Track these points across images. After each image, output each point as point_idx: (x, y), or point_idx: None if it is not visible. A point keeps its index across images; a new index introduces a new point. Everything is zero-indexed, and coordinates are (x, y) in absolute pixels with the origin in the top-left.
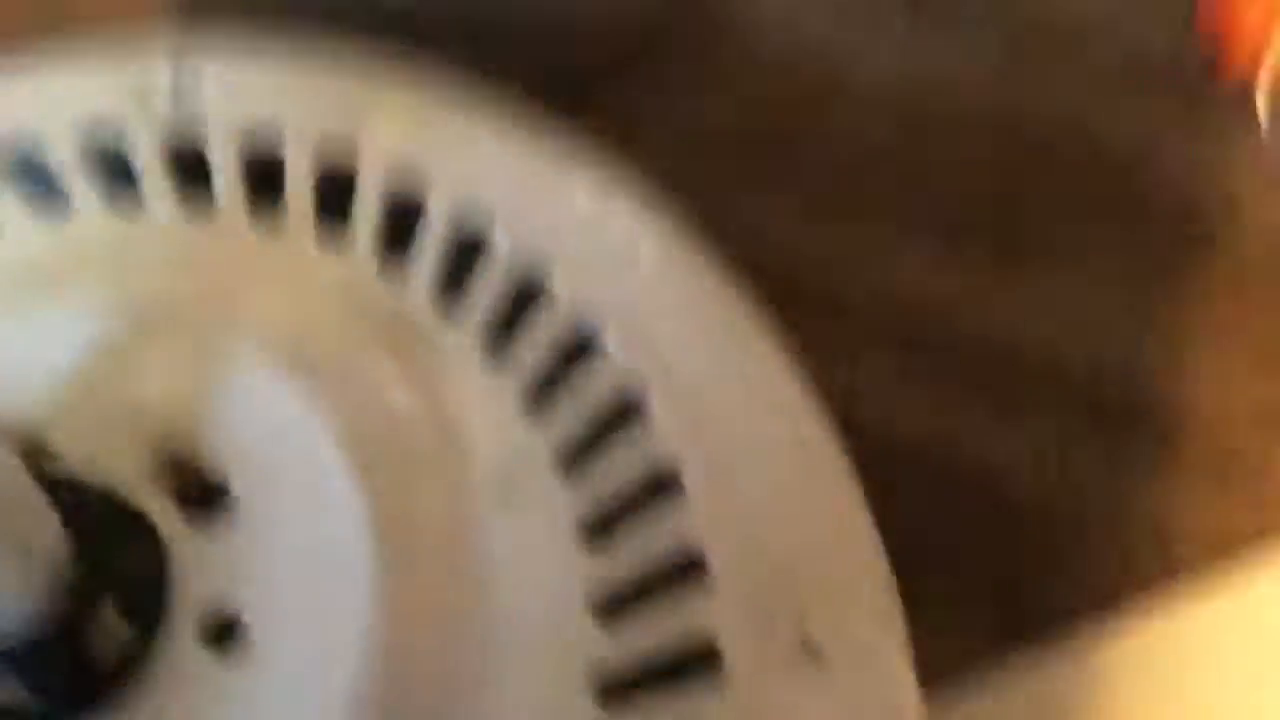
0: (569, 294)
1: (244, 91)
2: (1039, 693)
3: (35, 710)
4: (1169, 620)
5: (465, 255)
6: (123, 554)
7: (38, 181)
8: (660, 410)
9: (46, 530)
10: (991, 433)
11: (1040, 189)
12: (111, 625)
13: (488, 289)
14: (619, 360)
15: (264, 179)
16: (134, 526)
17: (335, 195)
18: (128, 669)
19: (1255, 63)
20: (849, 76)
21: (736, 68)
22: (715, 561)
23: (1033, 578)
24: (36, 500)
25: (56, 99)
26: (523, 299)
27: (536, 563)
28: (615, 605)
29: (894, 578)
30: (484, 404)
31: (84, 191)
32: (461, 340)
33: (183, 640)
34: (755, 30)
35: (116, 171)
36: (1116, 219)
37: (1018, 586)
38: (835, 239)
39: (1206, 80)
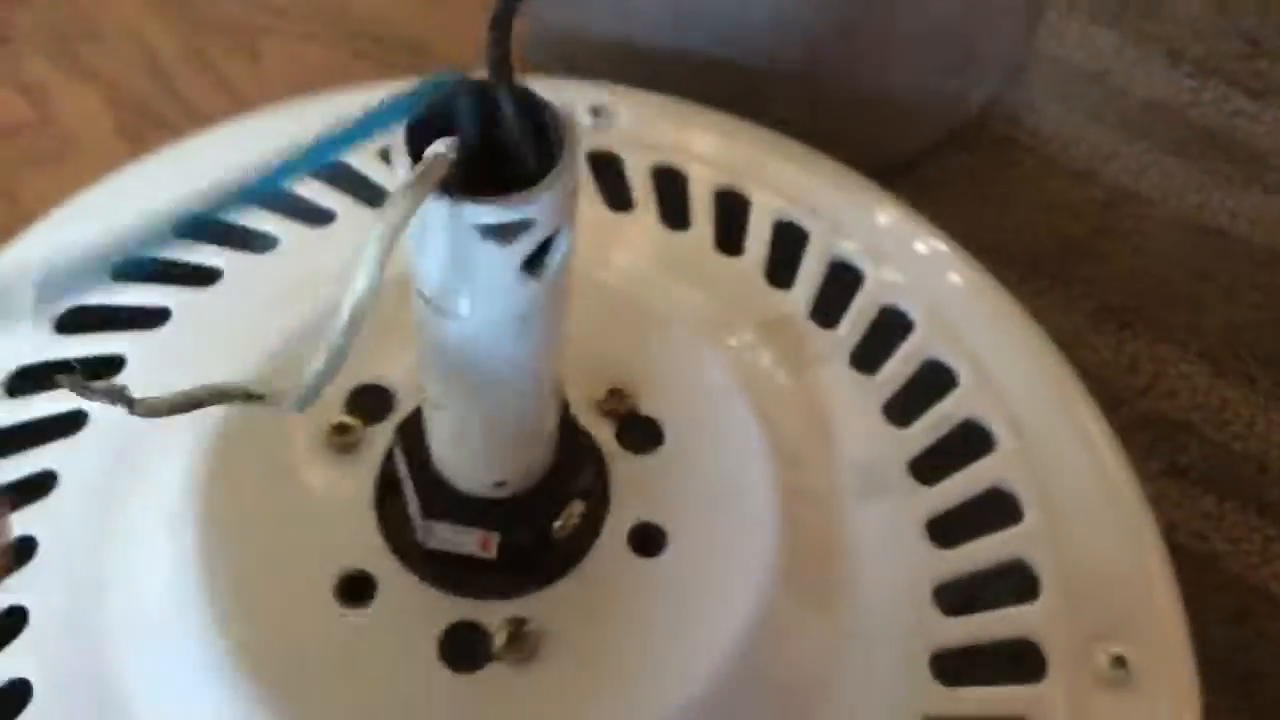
0: (925, 328)
1: (647, 123)
2: None
3: (498, 566)
4: None
5: (833, 280)
6: (582, 464)
7: None
8: (1003, 440)
9: (552, 420)
10: (1254, 543)
11: None
12: (570, 515)
13: (856, 309)
14: (971, 391)
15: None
16: (589, 445)
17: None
18: (573, 555)
19: None
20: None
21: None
22: (1044, 575)
23: (1277, 685)
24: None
25: None
26: (883, 323)
27: (889, 549)
28: (955, 599)
29: None
30: (850, 403)
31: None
32: (833, 345)
33: (616, 540)
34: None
35: None
36: None
37: (1262, 691)
38: (1116, 347)
39: None
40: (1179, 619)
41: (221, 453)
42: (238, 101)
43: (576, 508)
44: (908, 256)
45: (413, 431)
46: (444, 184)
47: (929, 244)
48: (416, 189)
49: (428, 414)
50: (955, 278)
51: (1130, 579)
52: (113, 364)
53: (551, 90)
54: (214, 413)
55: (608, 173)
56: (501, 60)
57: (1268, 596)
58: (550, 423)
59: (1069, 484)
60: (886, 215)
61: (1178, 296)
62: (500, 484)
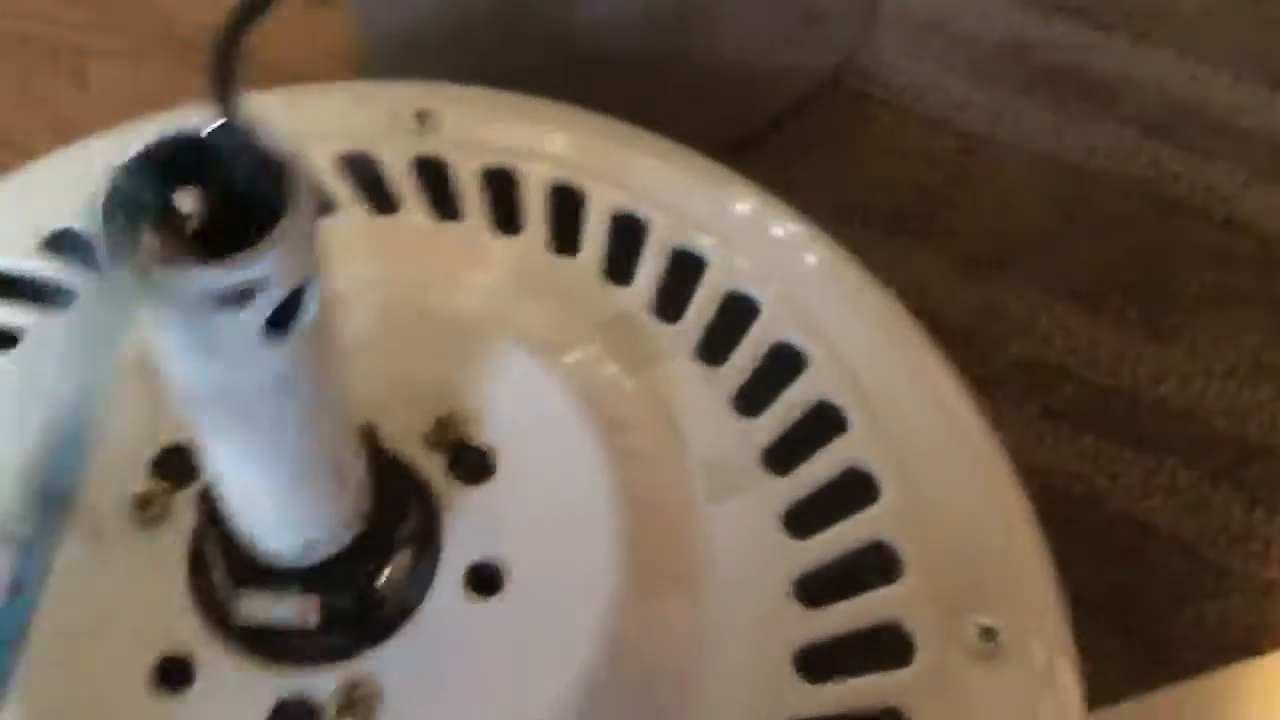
0: (772, 310)
1: (476, 122)
2: None
3: (322, 630)
4: None
5: (677, 271)
6: (407, 499)
7: None
8: (856, 419)
9: (358, 466)
10: (1134, 478)
11: (1185, 252)
12: (396, 565)
13: (700, 299)
14: (821, 372)
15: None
16: (414, 484)
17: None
18: (405, 606)
19: None
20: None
21: (889, 129)
22: (905, 555)
23: (1167, 620)
24: (354, 443)
25: (321, 119)
26: (728, 310)
27: (746, 545)
28: (816, 589)
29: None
30: (697, 399)
31: (345, 194)
32: (676, 340)
33: (451, 584)
34: (906, 95)
35: (370, 180)
36: (1261, 281)
37: (1152, 627)
38: (985, 294)
39: None
40: (1048, 580)
41: None
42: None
43: (402, 558)
44: (753, 238)
45: (212, 497)
46: (164, 250)
47: (776, 223)
48: (114, 295)
49: (215, 480)
50: (804, 257)
51: (994, 546)
52: None
53: (370, 95)
54: None
55: (435, 180)
56: (225, 96)
57: (1152, 530)
58: (353, 472)
59: (927, 457)
60: (731, 197)
61: (1043, 238)
62: (310, 545)
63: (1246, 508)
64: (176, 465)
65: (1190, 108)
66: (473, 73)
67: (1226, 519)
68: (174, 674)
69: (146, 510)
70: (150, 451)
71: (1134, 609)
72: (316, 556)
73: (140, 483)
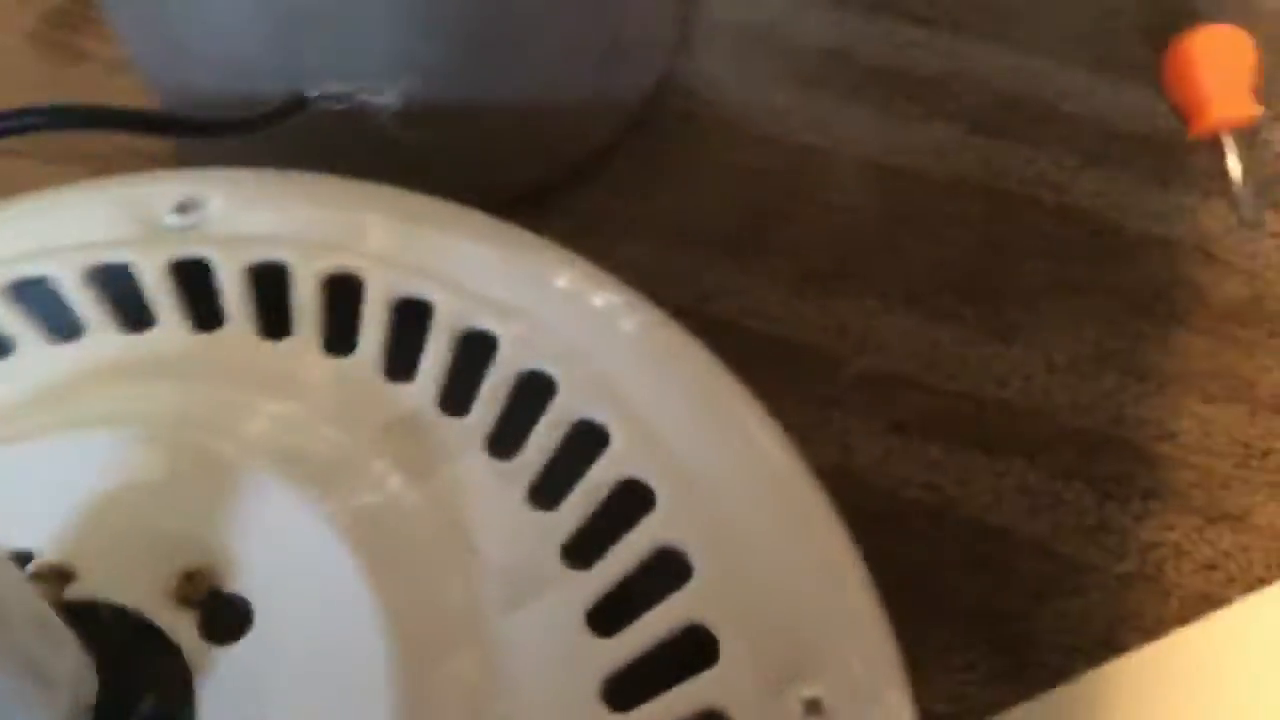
0: (569, 387)
1: (244, 210)
2: None
3: None
4: (1164, 658)
5: (465, 352)
6: (146, 673)
7: (47, 305)
8: (664, 494)
9: (67, 657)
10: (984, 482)
11: (1019, 245)
12: None
13: (490, 385)
14: (626, 449)
15: (265, 293)
16: (156, 644)
17: (330, 304)
18: None
19: (1221, 119)
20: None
21: (718, 148)
22: (722, 635)
23: (1029, 621)
24: (56, 627)
25: (66, 227)
26: (523, 392)
27: (548, 651)
28: (628, 686)
29: (893, 629)
30: (490, 498)
31: (94, 313)
32: (466, 436)
33: None
34: (731, 111)
35: (124, 293)
36: (1096, 268)
37: (1015, 630)
38: (825, 313)
39: (1180, 137)
40: (880, 636)
41: None
42: None
43: None
44: (551, 309)
45: None
46: None
47: (578, 290)
48: None
49: None
50: (609, 324)
51: (819, 610)
52: None
53: (128, 191)
54: None
55: (198, 284)
56: None
57: (1005, 534)
58: (58, 662)
59: (744, 525)
60: (527, 265)
61: (875, 245)
62: None
63: (1098, 501)
64: None
65: (1016, 98)
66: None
67: (1079, 515)
68: None
69: None
70: None
71: (996, 614)
72: None
73: None
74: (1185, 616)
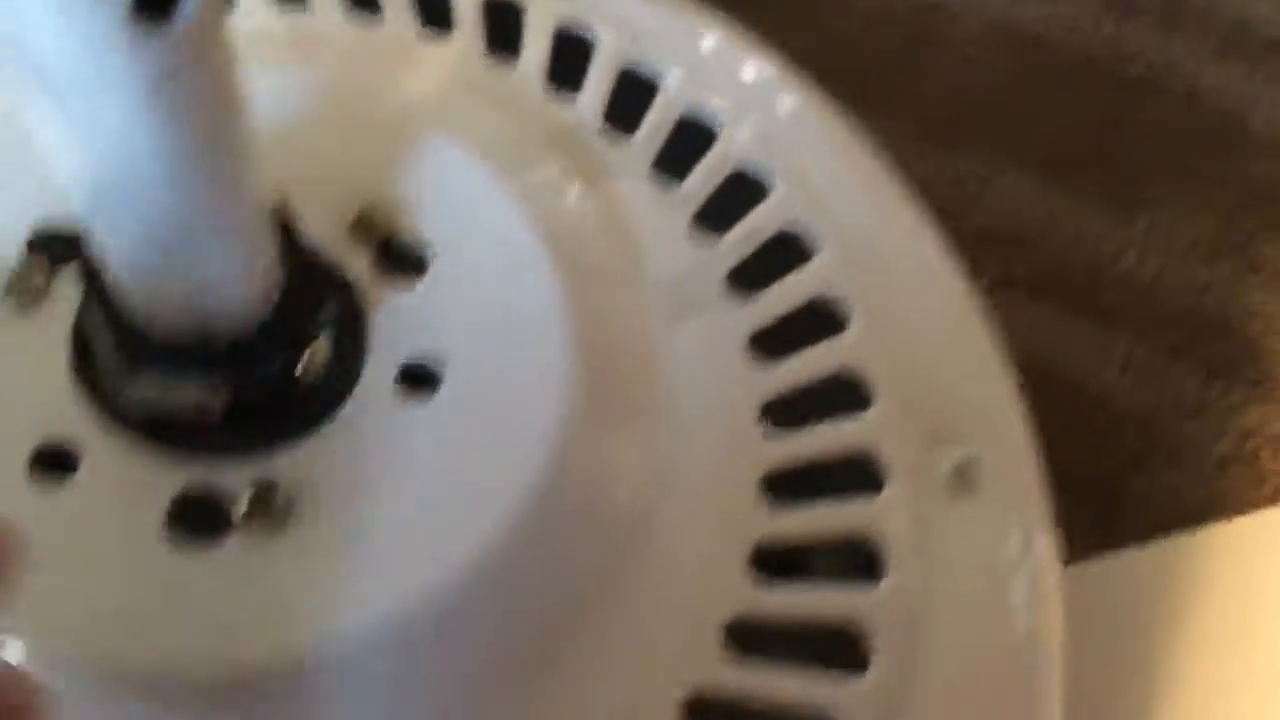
0: (730, 134)
1: None
2: (1127, 590)
3: (229, 423)
4: (1252, 532)
5: (627, 92)
6: (323, 294)
7: None
8: (824, 247)
9: (267, 240)
10: (1090, 350)
11: (1144, 127)
12: (314, 353)
13: (654, 118)
14: (787, 199)
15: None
16: (333, 274)
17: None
18: (326, 402)
19: None
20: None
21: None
22: (876, 385)
23: (1121, 489)
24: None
25: None
26: (682, 133)
27: (708, 369)
28: (782, 415)
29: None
30: (654, 220)
31: None
32: (630, 158)
33: (380, 381)
34: None
35: None
36: (1220, 159)
37: (1105, 495)
38: (946, 164)
39: None
40: (1021, 420)
41: None
42: None
43: (320, 347)
44: (714, 65)
45: (98, 270)
46: None
47: (734, 50)
48: None
49: (95, 239)
50: (769, 87)
51: (966, 381)
52: None
53: None
54: None
55: None
56: None
57: (1105, 403)
58: (261, 242)
59: (896, 291)
60: (689, 22)
61: (1001, 106)
62: (207, 322)
63: (1201, 384)
64: (56, 245)
65: None
66: None
67: (1181, 394)
68: (57, 464)
69: (21, 292)
70: (26, 228)
71: (1088, 477)
72: (217, 340)
73: (12, 263)
74: (1277, 503)
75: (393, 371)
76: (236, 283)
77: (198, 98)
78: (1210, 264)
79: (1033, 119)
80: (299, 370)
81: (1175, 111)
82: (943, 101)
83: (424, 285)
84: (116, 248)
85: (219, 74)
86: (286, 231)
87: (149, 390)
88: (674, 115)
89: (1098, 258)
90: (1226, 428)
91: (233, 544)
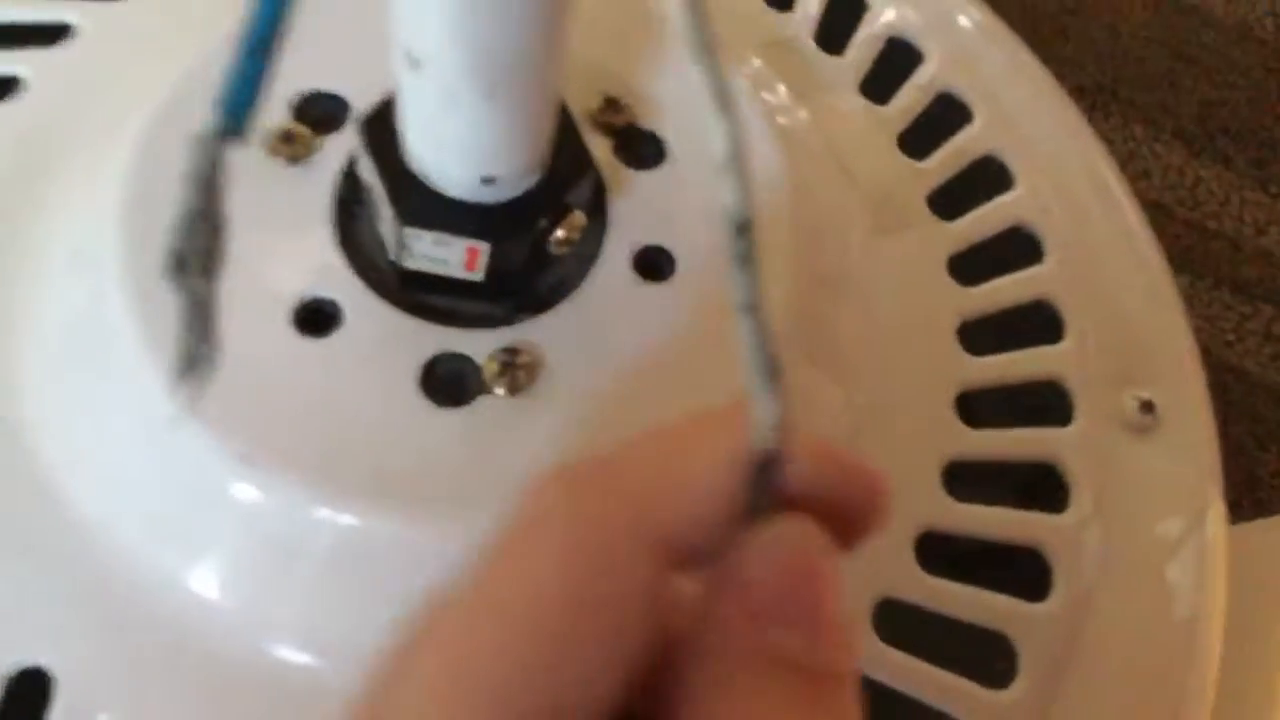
0: (939, 58)
1: None
2: (1263, 558)
3: (486, 290)
4: None
5: (838, 11)
6: (581, 172)
7: None
8: (1022, 179)
9: (551, 113)
10: (1229, 320)
11: None
12: (569, 225)
13: (863, 37)
14: (988, 128)
15: None
16: (585, 155)
17: None
18: (570, 279)
19: None
20: None
21: None
22: (1069, 317)
23: (1255, 461)
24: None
25: None
26: (890, 55)
27: (912, 279)
28: (981, 335)
29: None
30: (862, 134)
31: None
32: (841, 73)
33: (618, 263)
34: None
35: None
36: None
37: (1239, 465)
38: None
39: None
40: (1199, 369)
41: (146, 169)
42: None
43: (578, 219)
44: None
45: (382, 126)
46: None
47: None
48: None
49: (403, 90)
50: (965, 18)
51: (1153, 327)
52: (7, 85)
53: None
54: (138, 122)
55: None
56: None
57: (1241, 373)
58: (548, 103)
59: (1089, 233)
60: None
61: (1151, 75)
62: (489, 180)
63: None
64: (321, 110)
65: None
66: None
67: None
68: (320, 320)
69: (288, 148)
70: (295, 91)
71: (1223, 449)
72: (493, 197)
73: (281, 120)
74: None
75: (628, 255)
76: (528, 141)
77: None
78: None
79: (1183, 90)
80: (556, 238)
81: None
82: (1093, 69)
83: (660, 175)
84: (438, 88)
85: None
86: (561, 108)
87: (420, 249)
88: (881, 37)
89: (1240, 231)
90: None
91: (483, 404)
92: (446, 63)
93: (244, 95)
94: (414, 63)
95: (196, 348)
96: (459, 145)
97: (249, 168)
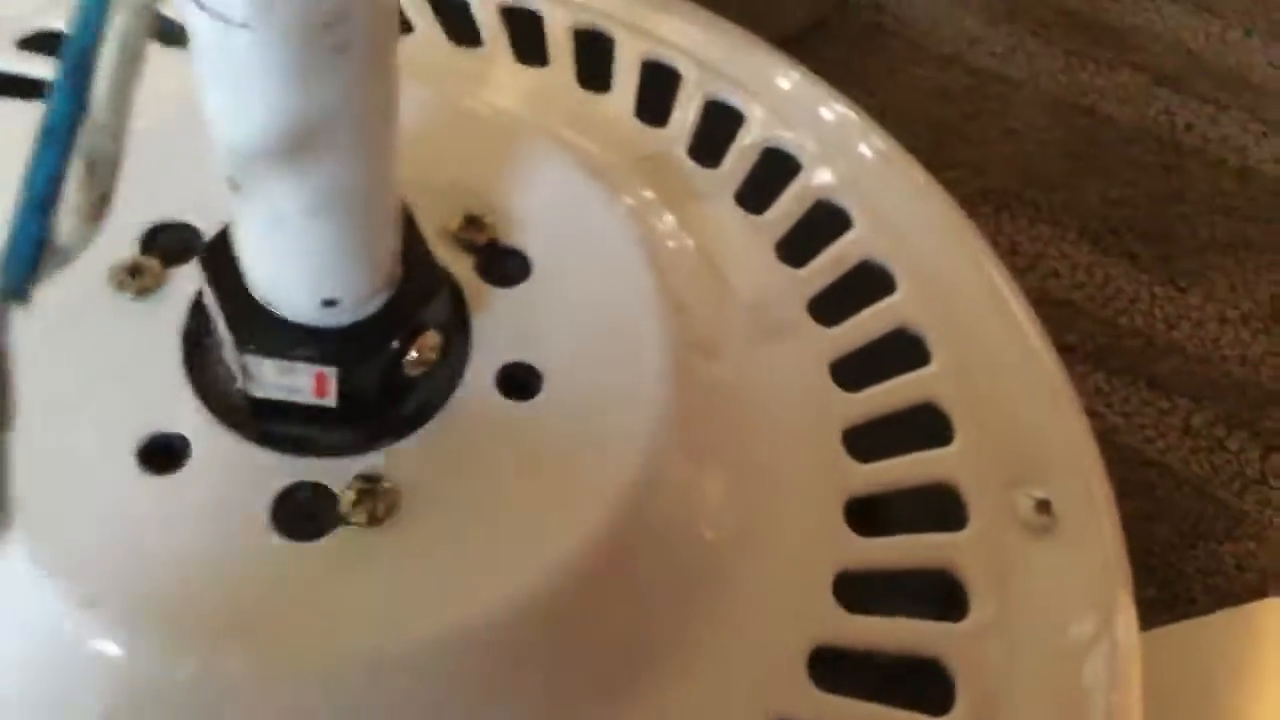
0: (812, 169)
1: None
2: (1190, 658)
3: (340, 417)
4: None
5: (712, 123)
6: (434, 289)
7: None
8: (904, 282)
9: (393, 232)
10: (1148, 416)
11: (1199, 199)
12: (424, 345)
13: (740, 147)
14: (867, 232)
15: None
16: (437, 271)
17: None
18: (430, 401)
19: None
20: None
21: (901, 62)
22: (957, 419)
23: (1181, 558)
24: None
25: None
26: (766, 164)
27: (793, 389)
28: (867, 440)
29: None
30: (740, 242)
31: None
32: (717, 184)
33: (481, 382)
34: (920, 29)
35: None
36: (1275, 232)
37: (1166, 563)
38: (1000, 232)
39: None
40: (1098, 466)
41: None
42: None
43: (431, 339)
44: (793, 104)
45: (220, 253)
46: None
47: (818, 95)
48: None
49: (233, 213)
50: (844, 128)
51: (1046, 424)
52: None
53: None
54: None
55: (449, 10)
56: None
57: (1165, 469)
58: (384, 221)
59: (974, 329)
60: (770, 65)
61: (1053, 176)
62: (331, 303)
63: (1262, 454)
64: (171, 241)
65: (1204, 61)
66: None
67: (1241, 464)
68: (167, 456)
69: (137, 279)
70: (144, 222)
71: (1149, 543)
72: (338, 320)
73: (128, 252)
74: None
75: (493, 373)
76: (366, 260)
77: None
78: (1267, 334)
79: (1086, 190)
80: (410, 359)
81: (1229, 185)
82: (995, 173)
83: (525, 291)
84: (261, 209)
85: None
86: (408, 224)
87: (265, 376)
88: (757, 147)
89: (1152, 327)
90: None
91: (341, 536)
92: (265, 185)
93: (26, 256)
94: (234, 185)
95: None
96: (292, 267)
97: (93, 303)
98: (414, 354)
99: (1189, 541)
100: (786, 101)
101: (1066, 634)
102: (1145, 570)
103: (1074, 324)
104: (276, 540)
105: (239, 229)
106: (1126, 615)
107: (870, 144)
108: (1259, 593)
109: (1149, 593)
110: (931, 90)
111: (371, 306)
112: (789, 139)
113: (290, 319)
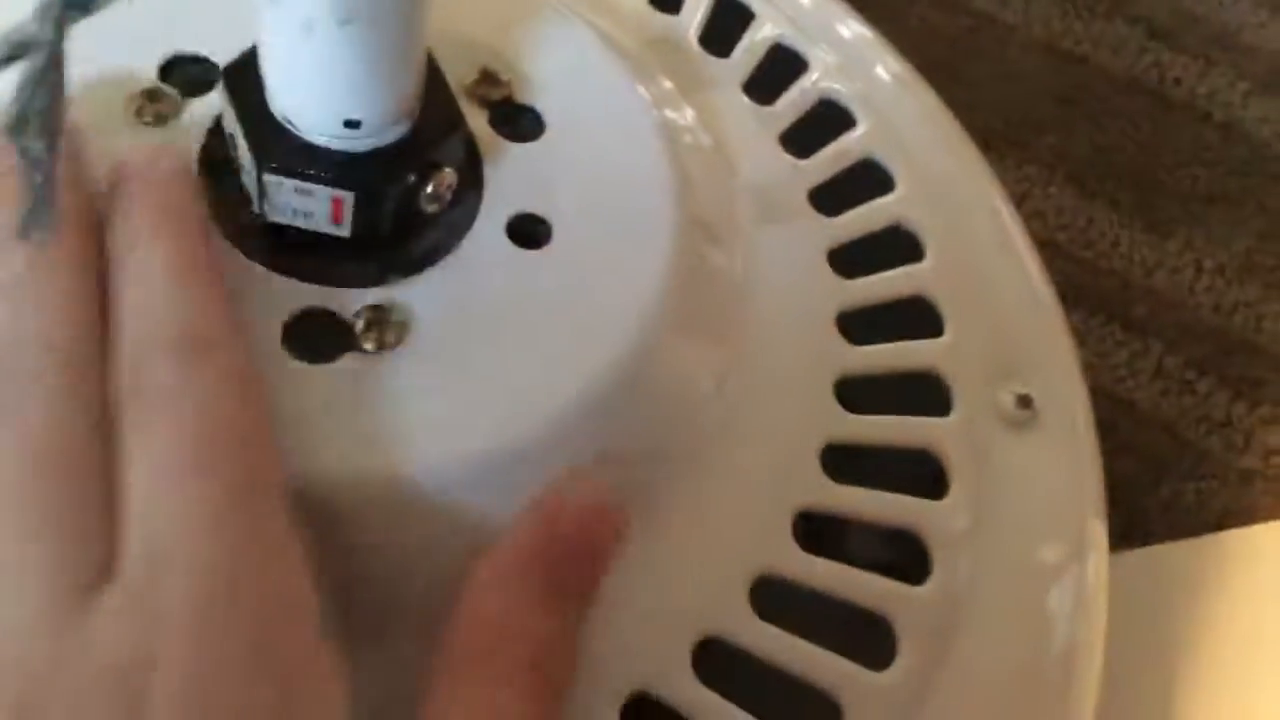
0: (824, 66)
1: None
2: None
3: (353, 247)
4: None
5: (724, 17)
6: (453, 128)
7: None
8: (903, 182)
9: (419, 59)
10: (1120, 356)
11: (1183, 151)
12: (441, 181)
13: (749, 41)
14: (869, 131)
15: None
16: (456, 113)
17: None
18: (442, 241)
19: None
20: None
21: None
22: (947, 314)
23: (1144, 494)
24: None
25: None
26: (775, 60)
27: (792, 271)
28: (859, 327)
29: None
30: (745, 131)
31: None
32: (726, 73)
33: (492, 228)
34: None
35: None
36: (1254, 187)
37: (1128, 499)
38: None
39: None
40: (1076, 369)
41: None
42: None
43: (448, 177)
44: (807, 14)
45: (245, 72)
46: None
47: (832, 5)
48: None
49: (262, 25)
50: (854, 39)
51: (1031, 327)
52: None
53: None
54: None
55: None
56: None
57: (1133, 408)
58: (411, 42)
59: (967, 233)
60: None
61: (1043, 120)
62: (352, 124)
63: (1229, 398)
64: (190, 75)
65: (1198, 17)
66: None
67: (1208, 407)
68: None
69: (154, 106)
70: (163, 53)
71: (1112, 480)
72: (358, 144)
73: (149, 80)
74: None
75: (503, 222)
76: (390, 82)
77: None
78: (1240, 285)
79: (1073, 135)
80: (426, 193)
81: (1213, 139)
82: (986, 113)
83: (539, 147)
84: (293, 16)
85: None
86: (430, 64)
87: (282, 199)
88: (766, 42)
89: (1130, 271)
90: (1251, 443)
91: (350, 360)
92: (285, 38)
93: None
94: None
95: (37, 204)
96: (318, 82)
97: (111, 128)
98: (429, 188)
99: (1153, 478)
100: (804, 15)
101: (1038, 539)
102: (1109, 504)
103: (1054, 264)
104: (288, 361)
105: (267, 42)
106: (1097, 528)
107: (885, 64)
108: (1217, 529)
109: (1113, 524)
110: (927, 29)
111: (391, 135)
112: (798, 41)
113: (310, 140)
